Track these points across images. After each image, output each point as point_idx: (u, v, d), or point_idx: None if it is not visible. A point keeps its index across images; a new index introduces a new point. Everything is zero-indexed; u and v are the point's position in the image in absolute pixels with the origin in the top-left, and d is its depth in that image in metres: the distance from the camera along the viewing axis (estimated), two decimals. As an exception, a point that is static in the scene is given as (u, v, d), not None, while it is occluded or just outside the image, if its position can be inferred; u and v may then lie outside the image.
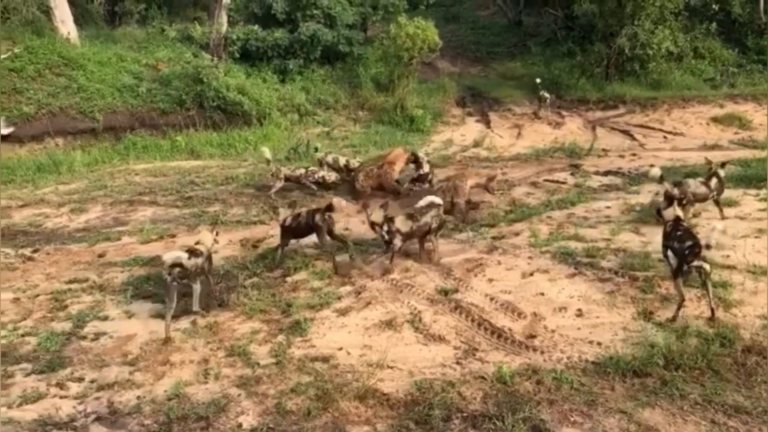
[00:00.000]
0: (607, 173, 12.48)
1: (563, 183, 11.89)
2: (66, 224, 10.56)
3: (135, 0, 21.28)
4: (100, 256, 9.01)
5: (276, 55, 18.72)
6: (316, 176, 11.81)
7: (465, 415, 5.07)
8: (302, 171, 11.90)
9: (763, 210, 8.90)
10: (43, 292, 7.84)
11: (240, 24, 19.53)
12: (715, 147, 14.82)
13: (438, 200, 8.32)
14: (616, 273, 7.30)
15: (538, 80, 18.72)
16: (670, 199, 8.07)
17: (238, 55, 18.59)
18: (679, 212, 7.12)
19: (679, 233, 6.60)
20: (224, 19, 18.89)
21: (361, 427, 4.99)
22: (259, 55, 18.70)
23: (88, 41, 18.15)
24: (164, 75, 17.13)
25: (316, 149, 13.07)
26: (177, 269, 6.69)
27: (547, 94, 18.14)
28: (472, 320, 6.56)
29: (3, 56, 15.94)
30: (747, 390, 5.20)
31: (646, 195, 10.39)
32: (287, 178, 11.76)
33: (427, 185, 10.95)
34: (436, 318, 6.62)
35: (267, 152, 11.82)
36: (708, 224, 7.93)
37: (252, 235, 9.58)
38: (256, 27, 19.05)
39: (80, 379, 5.91)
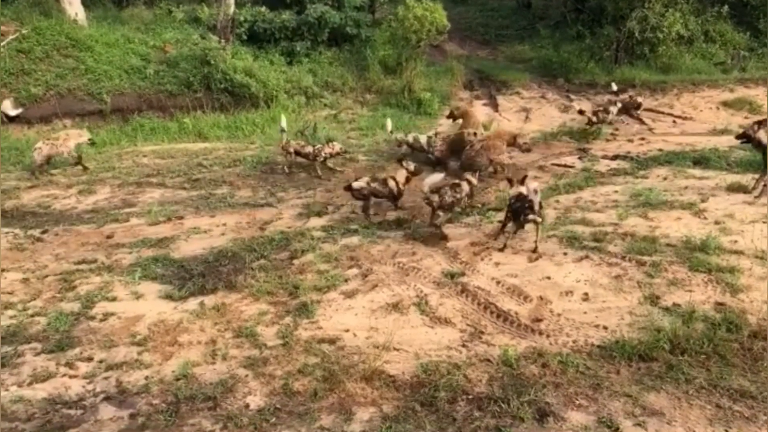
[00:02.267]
0: (615, 157, 12.41)
1: (571, 167, 11.84)
2: (74, 205, 10.60)
3: (142, -19, 21.19)
4: (109, 237, 9.06)
5: (283, 37, 18.61)
6: (323, 153, 11.92)
7: (470, 397, 5.11)
8: (311, 149, 11.99)
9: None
10: (52, 272, 7.89)
11: (247, 5, 19.41)
12: (724, 131, 14.71)
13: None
14: (623, 257, 7.30)
15: (614, 86, 16.15)
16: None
17: (245, 37, 18.48)
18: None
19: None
20: (231, 0, 18.78)
21: (367, 409, 5.03)
22: (267, 37, 18.60)
23: (95, 22, 18.08)
24: (172, 57, 17.07)
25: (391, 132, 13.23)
26: None
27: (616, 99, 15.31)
28: (479, 303, 6.59)
29: (11, 37, 15.93)
30: (753, 375, 5.22)
31: (654, 179, 10.37)
32: (297, 153, 11.96)
33: None
34: (443, 301, 6.65)
35: (284, 121, 12.22)
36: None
37: (259, 217, 9.62)
38: (263, 9, 18.94)
39: (89, 359, 5.96)
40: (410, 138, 12.55)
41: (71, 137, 12.43)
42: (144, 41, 17.63)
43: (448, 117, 13.52)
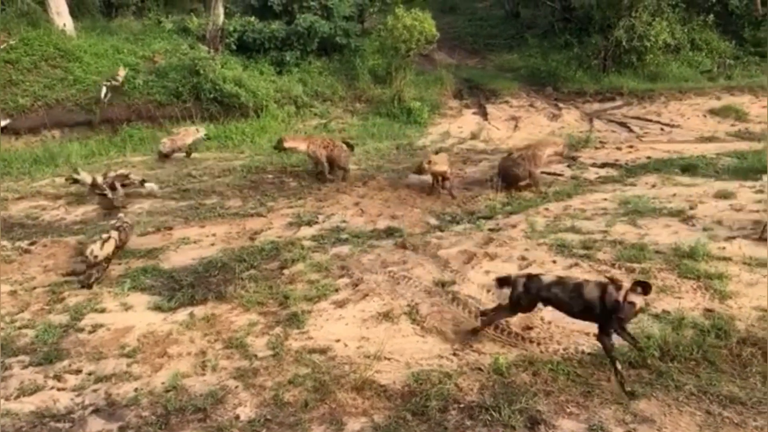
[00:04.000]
0: (604, 165, 12.49)
1: (560, 175, 11.90)
2: (63, 217, 10.54)
3: (131, -9, 21.18)
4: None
5: (273, 46, 18.64)
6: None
7: (462, 406, 5.10)
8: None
9: (759, 202, 8.92)
10: (40, 284, 7.84)
11: (237, 15, 19.45)
12: (711, 139, 14.84)
13: None
14: (612, 265, 7.32)
15: None
16: None
17: (234, 47, 18.51)
18: None
19: None
20: (221, 10, 18.79)
21: (359, 419, 5.02)
22: (256, 46, 18.63)
23: (84, 33, 18.05)
24: (161, 67, 17.07)
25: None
26: None
27: None
28: (470, 312, 6.58)
29: (-2, 48, 15.89)
30: (742, 381, 5.25)
31: (643, 187, 10.43)
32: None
33: None
34: (434, 310, 6.63)
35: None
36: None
37: (249, 227, 9.59)
38: (252, 18, 18.98)
39: (78, 371, 5.92)
40: (84, 176, 10.99)
41: (190, 133, 14.06)
42: (133, 51, 17.62)
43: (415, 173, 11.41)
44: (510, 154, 11.22)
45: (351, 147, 12.44)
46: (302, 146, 12.19)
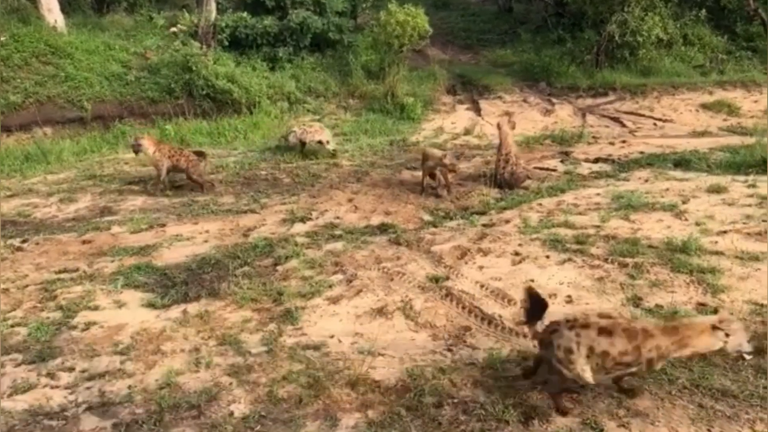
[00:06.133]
0: (597, 160, 12.52)
1: (553, 170, 11.93)
2: (55, 214, 10.50)
3: (122, -13, 21.09)
4: (90, 245, 8.95)
5: (265, 42, 18.60)
6: None
7: (456, 401, 5.10)
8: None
9: (751, 196, 8.97)
10: (32, 282, 7.79)
11: (229, 11, 19.40)
12: (704, 133, 14.89)
13: None
14: (605, 260, 7.35)
15: None
16: None
17: (227, 43, 18.46)
18: None
19: None
20: (213, 6, 18.72)
21: (353, 414, 5.01)
22: (249, 42, 18.59)
23: (75, 29, 17.95)
24: (153, 63, 17.00)
25: None
26: None
27: None
28: (463, 307, 6.59)
29: (-11, 45, 15.79)
30: (734, 374, 5.26)
31: (635, 182, 10.46)
32: None
33: None
34: (427, 305, 6.64)
35: None
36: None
37: (243, 224, 9.58)
38: (245, 14, 18.93)
39: (71, 369, 5.88)
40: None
41: (321, 132, 13.61)
42: (125, 48, 17.55)
43: None
44: (507, 161, 11.01)
45: (202, 155, 11.87)
46: (150, 150, 11.45)
